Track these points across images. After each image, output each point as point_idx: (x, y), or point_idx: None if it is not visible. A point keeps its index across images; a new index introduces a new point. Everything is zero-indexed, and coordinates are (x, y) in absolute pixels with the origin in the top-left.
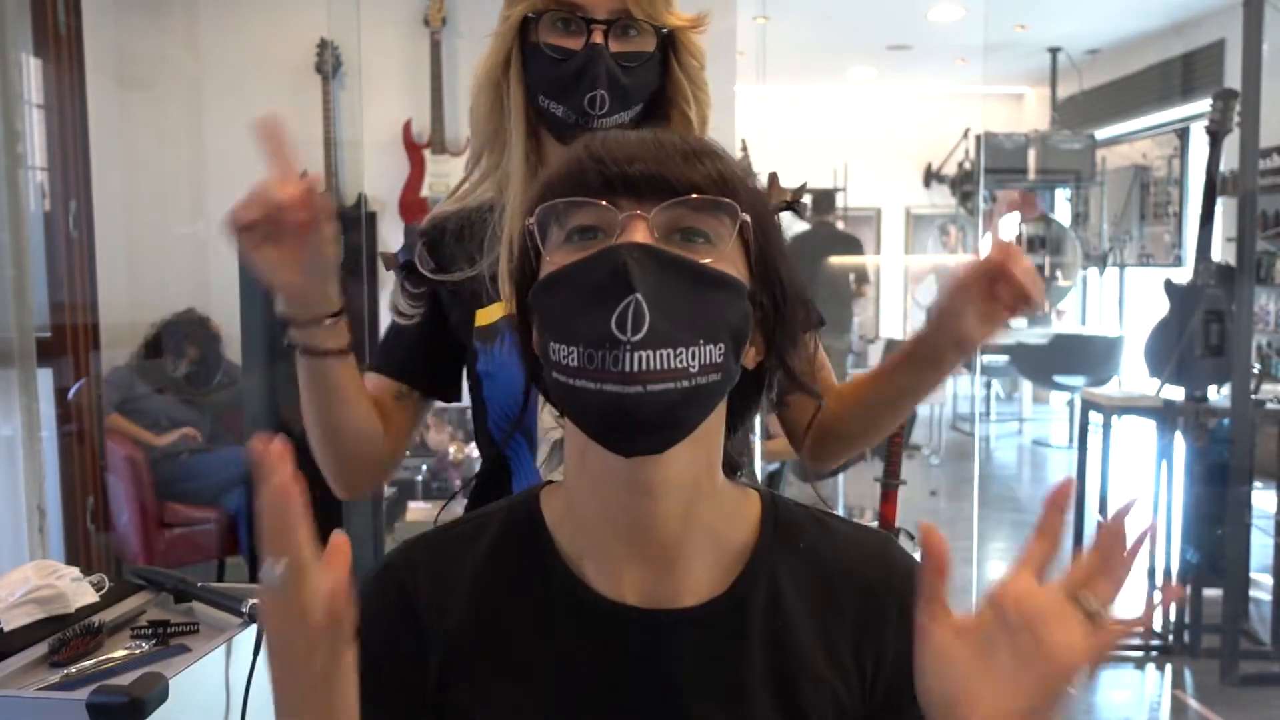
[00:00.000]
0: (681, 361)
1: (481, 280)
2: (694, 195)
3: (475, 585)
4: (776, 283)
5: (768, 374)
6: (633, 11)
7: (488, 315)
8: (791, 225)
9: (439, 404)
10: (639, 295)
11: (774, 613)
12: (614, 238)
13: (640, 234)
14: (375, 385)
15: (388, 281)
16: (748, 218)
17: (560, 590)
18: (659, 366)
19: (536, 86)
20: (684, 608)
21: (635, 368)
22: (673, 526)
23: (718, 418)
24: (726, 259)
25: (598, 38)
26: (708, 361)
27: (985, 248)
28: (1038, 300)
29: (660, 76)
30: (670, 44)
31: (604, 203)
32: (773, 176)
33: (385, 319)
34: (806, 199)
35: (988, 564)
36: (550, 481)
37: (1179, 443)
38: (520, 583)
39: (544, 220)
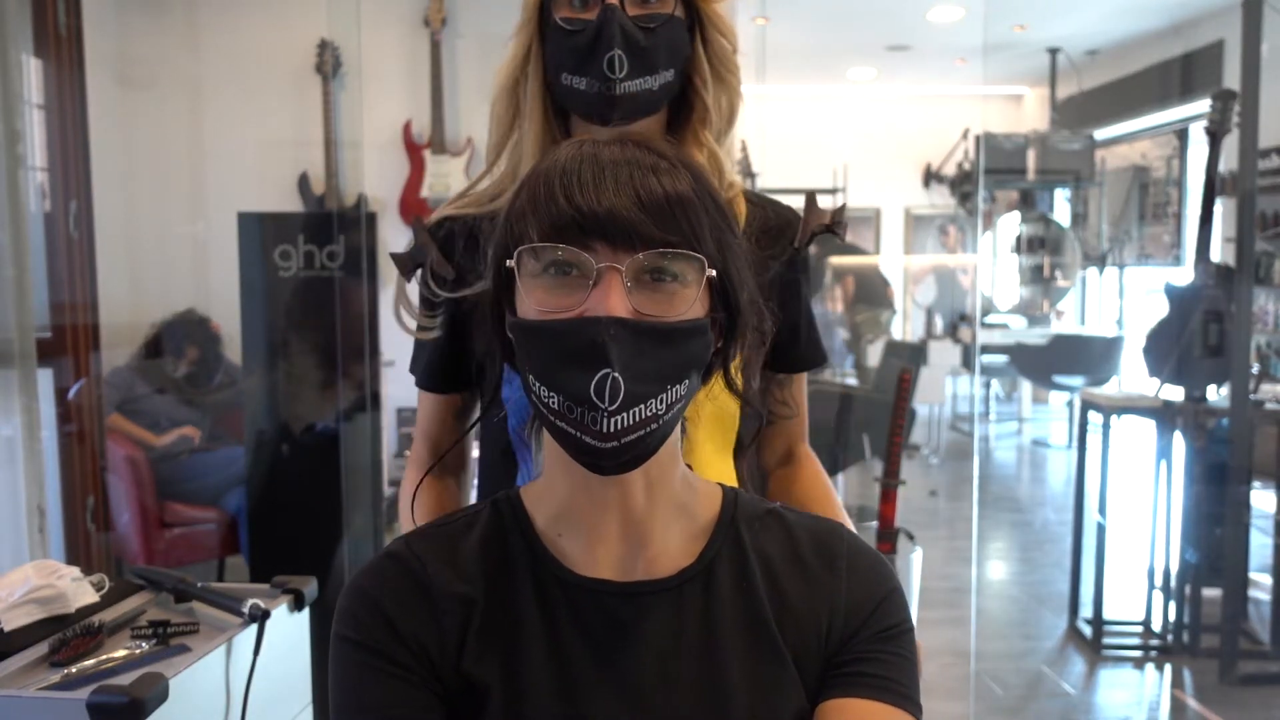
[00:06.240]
0: (651, 410)
1: None
2: (665, 249)
3: (473, 568)
4: (735, 303)
5: (718, 361)
6: None
7: None
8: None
9: None
10: (615, 373)
11: (740, 576)
12: (590, 284)
13: (615, 291)
14: (436, 407)
15: (389, 281)
16: (714, 272)
17: (544, 570)
18: (632, 423)
19: (558, 66)
20: (657, 579)
21: (611, 429)
22: (639, 499)
23: None
24: (691, 287)
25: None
26: (674, 399)
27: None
28: None
29: (689, 45)
30: (697, 16)
31: (581, 251)
32: (810, 199)
33: (385, 319)
34: (846, 226)
35: (988, 564)
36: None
37: (1178, 443)
38: (511, 565)
39: (520, 255)
